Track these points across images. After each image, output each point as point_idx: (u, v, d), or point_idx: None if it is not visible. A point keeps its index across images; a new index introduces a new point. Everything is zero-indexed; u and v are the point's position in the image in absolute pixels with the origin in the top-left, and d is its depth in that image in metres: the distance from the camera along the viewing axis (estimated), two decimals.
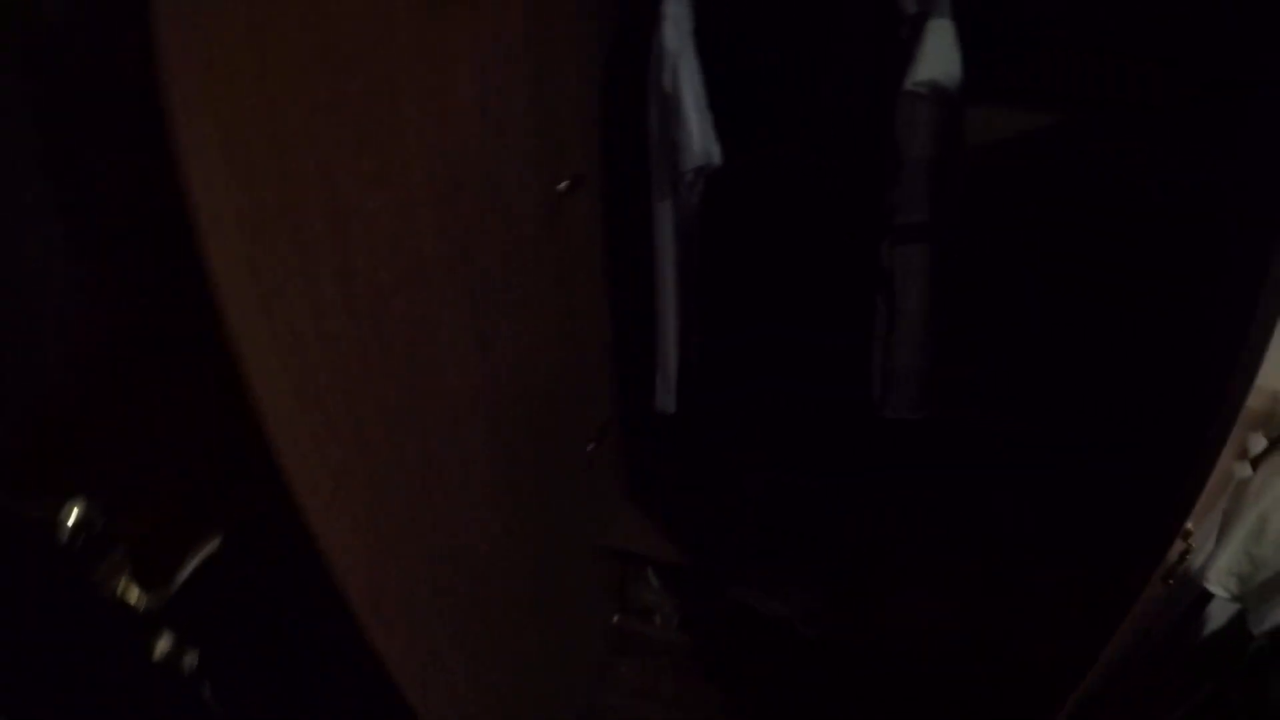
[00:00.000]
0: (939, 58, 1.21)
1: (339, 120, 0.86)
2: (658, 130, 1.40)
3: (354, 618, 1.01)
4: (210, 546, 0.96)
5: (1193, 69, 1.21)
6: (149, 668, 0.93)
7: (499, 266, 1.22)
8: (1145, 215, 1.30)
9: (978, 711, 1.74)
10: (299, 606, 1.08)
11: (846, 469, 1.88)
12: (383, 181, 0.94)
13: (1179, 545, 1.07)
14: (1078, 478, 1.52)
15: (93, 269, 0.85)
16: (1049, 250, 1.44)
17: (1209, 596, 1.33)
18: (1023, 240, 1.45)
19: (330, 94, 0.84)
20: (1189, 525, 1.03)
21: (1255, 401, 1.00)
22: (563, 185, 1.36)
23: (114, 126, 0.80)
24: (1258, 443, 1.15)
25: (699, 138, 1.37)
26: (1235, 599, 1.29)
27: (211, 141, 0.70)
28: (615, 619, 2.23)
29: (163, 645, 0.94)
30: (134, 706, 1.05)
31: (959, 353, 1.49)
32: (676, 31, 1.34)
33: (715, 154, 1.41)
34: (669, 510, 2.01)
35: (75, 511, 0.80)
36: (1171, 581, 1.07)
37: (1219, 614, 1.47)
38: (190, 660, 0.97)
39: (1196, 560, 1.19)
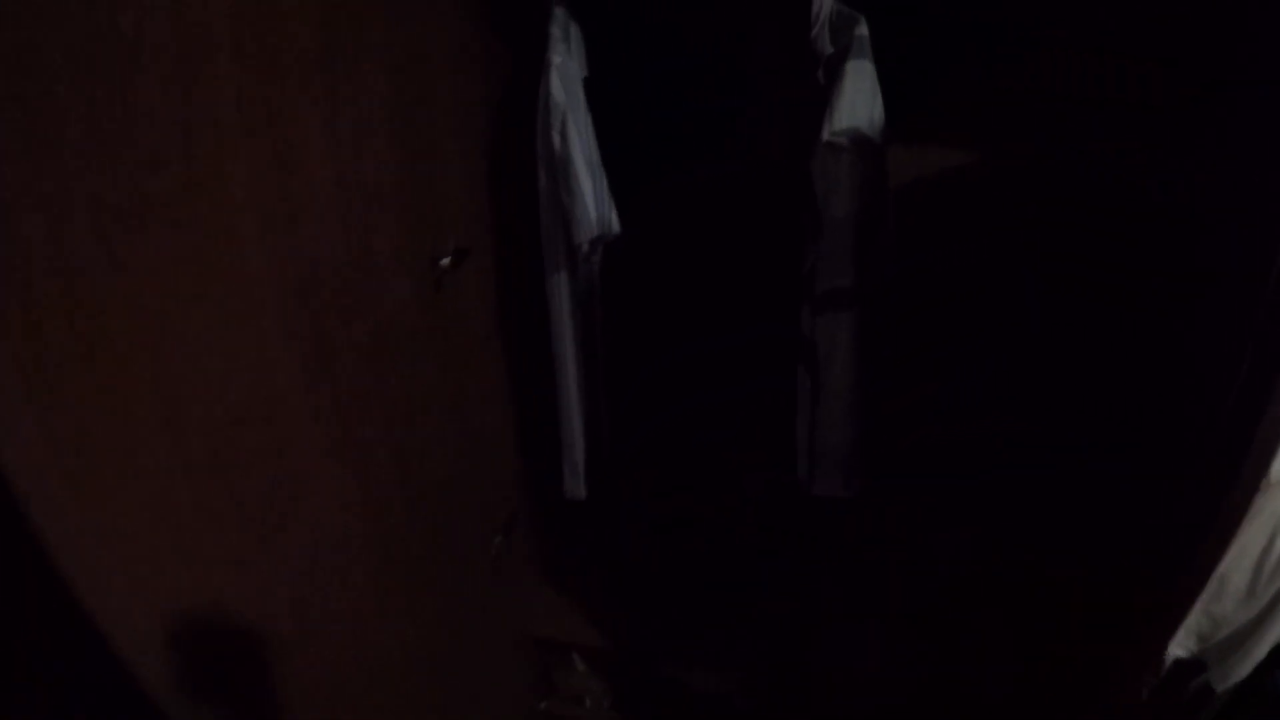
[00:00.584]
0: (860, 103, 1.11)
1: (142, 230, 0.70)
2: (548, 195, 1.26)
3: None
4: None
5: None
6: None
7: (368, 366, 1.07)
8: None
9: None
10: None
11: (783, 543, 1.76)
12: (211, 296, 0.79)
13: None
14: (1063, 510, 1.43)
15: None
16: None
17: None
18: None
19: (128, 199, 0.68)
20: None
21: None
22: (445, 260, 1.22)
23: None
24: None
25: (593, 205, 1.23)
26: (1195, 657, 1.26)
27: None
28: (543, 705, 2.08)
29: None
30: None
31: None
32: (564, 82, 1.21)
33: (612, 222, 1.28)
34: (590, 592, 1.89)
35: None
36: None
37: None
38: None
39: None
